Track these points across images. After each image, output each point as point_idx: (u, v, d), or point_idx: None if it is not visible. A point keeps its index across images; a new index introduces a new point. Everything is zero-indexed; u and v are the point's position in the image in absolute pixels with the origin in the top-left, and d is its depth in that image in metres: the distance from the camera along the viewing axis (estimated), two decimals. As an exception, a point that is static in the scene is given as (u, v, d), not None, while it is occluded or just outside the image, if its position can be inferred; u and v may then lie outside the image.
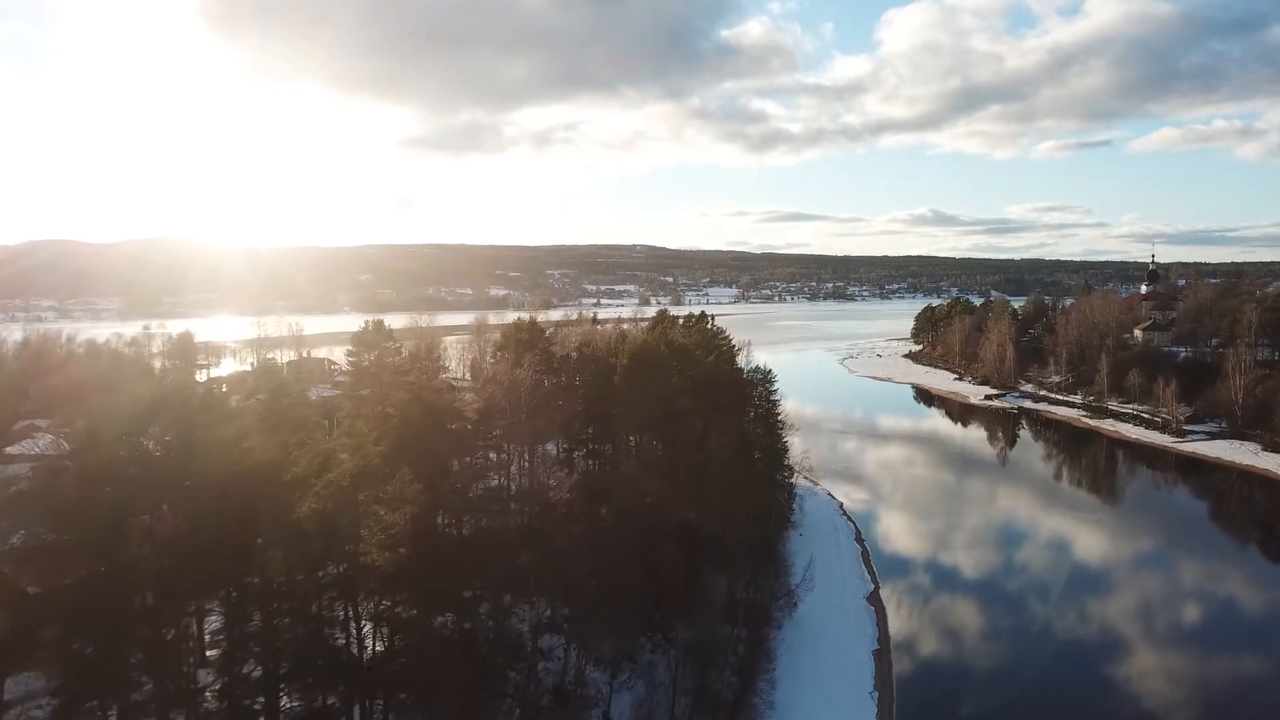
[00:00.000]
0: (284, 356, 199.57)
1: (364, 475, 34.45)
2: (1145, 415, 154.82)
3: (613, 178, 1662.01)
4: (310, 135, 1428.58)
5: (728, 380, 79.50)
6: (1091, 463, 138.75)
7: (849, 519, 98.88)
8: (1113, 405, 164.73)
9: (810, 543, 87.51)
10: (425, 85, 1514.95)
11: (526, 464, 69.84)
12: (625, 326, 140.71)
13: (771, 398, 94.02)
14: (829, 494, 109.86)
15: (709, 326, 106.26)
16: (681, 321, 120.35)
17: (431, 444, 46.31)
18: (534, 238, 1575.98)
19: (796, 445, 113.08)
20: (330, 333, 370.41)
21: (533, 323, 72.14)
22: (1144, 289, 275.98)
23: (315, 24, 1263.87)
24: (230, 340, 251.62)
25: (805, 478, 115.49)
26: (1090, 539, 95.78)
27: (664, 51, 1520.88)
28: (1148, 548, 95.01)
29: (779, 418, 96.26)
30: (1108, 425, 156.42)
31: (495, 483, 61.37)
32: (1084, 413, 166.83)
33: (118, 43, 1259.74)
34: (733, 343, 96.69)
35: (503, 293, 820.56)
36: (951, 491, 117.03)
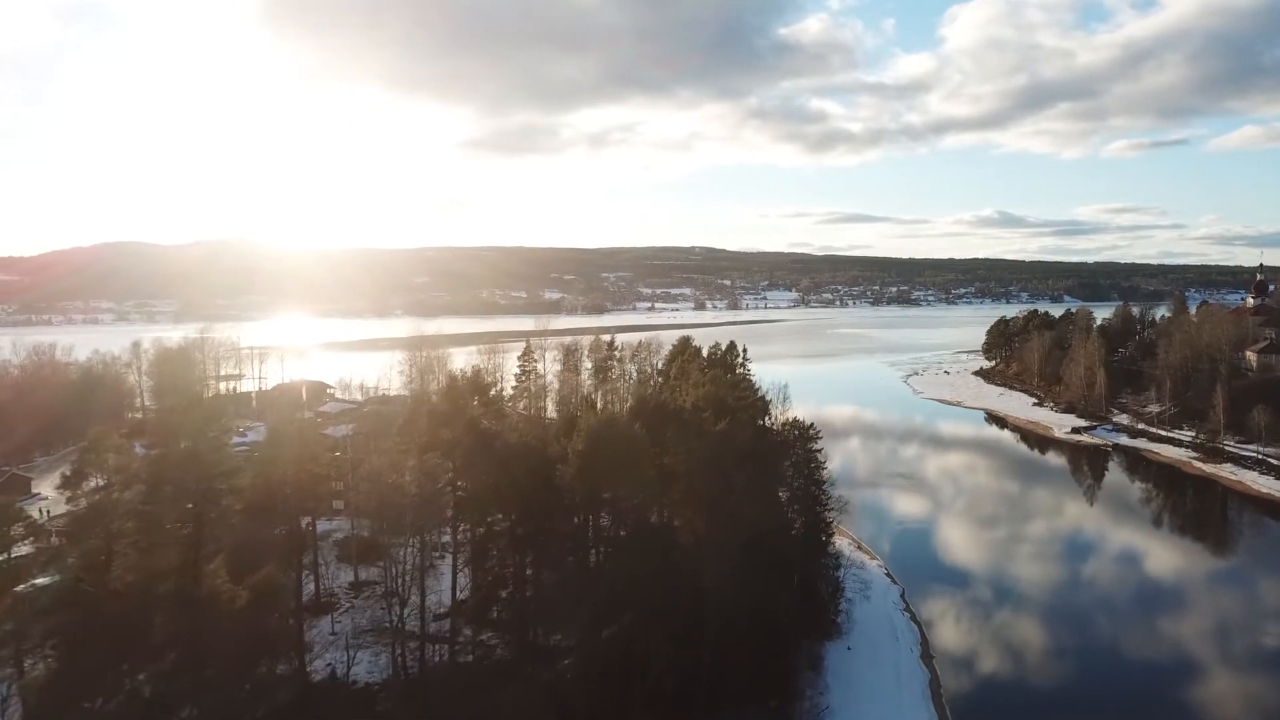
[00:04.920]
0: (282, 374, 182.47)
1: None
2: (1274, 460, 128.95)
3: (669, 179, 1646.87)
4: (370, 136, 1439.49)
5: (748, 452, 58.04)
6: (1213, 523, 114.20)
7: (912, 617, 76.35)
8: (1230, 446, 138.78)
9: (860, 662, 65.73)
10: (482, 86, 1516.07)
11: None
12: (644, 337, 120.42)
13: (814, 463, 72.14)
14: (887, 573, 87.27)
15: (734, 362, 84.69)
16: (706, 353, 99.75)
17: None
18: (590, 239, 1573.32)
19: (843, 482, 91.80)
20: (372, 339, 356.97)
21: (471, 380, 51.73)
22: (1250, 301, 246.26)
23: (374, 25, 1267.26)
24: (259, 346, 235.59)
25: (854, 543, 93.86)
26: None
27: (720, 50, 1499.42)
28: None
29: (823, 485, 74.30)
30: (1227, 472, 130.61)
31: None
32: (1195, 454, 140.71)
33: (183, 48, 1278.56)
34: (762, 392, 74.70)
35: (557, 296, 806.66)
36: (1044, 570, 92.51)
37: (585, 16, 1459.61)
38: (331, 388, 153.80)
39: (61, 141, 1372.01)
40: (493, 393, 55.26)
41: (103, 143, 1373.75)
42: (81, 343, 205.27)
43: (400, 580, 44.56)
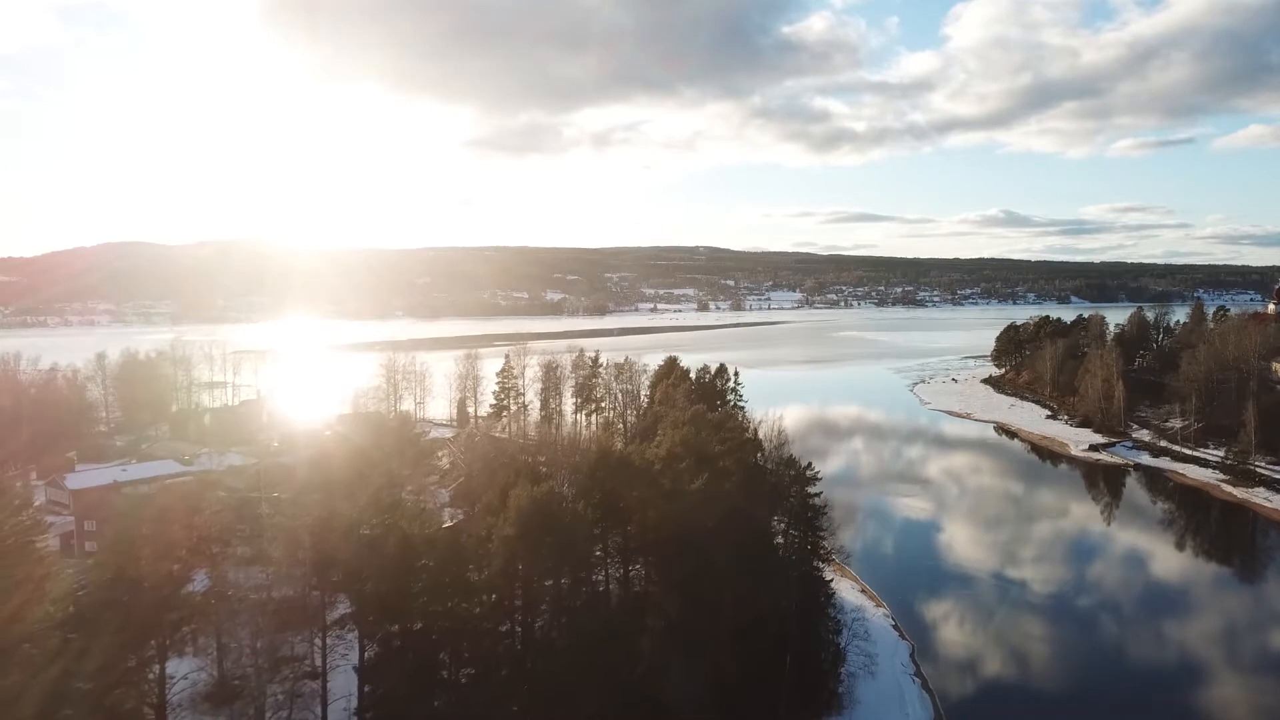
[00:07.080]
0: (256, 388, 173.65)
1: None
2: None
3: (673, 178, 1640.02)
4: (374, 137, 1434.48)
5: (733, 511, 48.98)
6: (1248, 556, 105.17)
7: (924, 683, 67.09)
8: (1262, 467, 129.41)
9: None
10: (485, 85, 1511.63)
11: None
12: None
13: (811, 511, 62.94)
14: (894, 624, 77.96)
15: (724, 387, 75.47)
16: (694, 375, 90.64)
17: None
18: (593, 239, 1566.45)
19: (846, 507, 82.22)
20: (368, 342, 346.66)
21: (397, 427, 42.77)
22: (1272, 307, 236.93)
23: (377, 24, 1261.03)
24: (245, 351, 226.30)
25: (858, 586, 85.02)
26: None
27: (724, 49, 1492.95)
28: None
29: (821, 534, 65.05)
30: (1260, 497, 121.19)
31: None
32: (1223, 476, 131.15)
33: (187, 47, 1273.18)
34: (753, 428, 65.53)
35: (559, 296, 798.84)
36: (1072, 621, 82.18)
37: (588, 15, 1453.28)
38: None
39: (64, 141, 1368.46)
40: (423, 442, 46.55)
41: (106, 143, 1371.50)
42: (63, 348, 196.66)
43: (271, 688, 35.97)
